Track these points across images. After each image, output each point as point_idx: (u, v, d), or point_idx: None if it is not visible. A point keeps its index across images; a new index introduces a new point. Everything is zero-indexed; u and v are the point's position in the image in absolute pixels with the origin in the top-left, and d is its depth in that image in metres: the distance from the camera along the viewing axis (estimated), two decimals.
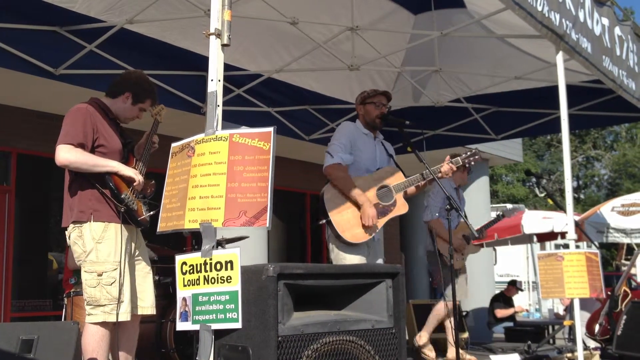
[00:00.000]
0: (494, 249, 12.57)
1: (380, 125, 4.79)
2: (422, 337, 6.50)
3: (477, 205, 11.00)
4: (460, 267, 6.35)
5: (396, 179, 4.59)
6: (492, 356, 6.30)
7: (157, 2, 4.82)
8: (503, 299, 10.87)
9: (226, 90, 6.20)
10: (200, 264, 2.20)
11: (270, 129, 2.29)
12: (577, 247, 9.42)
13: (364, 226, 4.40)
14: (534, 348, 6.46)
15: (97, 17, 4.95)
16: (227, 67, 5.95)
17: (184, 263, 2.26)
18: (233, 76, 6.09)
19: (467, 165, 4.87)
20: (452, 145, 7.84)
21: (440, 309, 6.39)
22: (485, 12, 5.45)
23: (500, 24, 5.72)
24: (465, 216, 6.71)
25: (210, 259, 2.19)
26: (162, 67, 5.59)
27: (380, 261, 4.67)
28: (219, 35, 2.32)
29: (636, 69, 5.94)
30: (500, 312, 10.43)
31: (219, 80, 2.30)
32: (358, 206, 4.42)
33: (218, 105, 2.29)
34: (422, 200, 6.42)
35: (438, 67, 6.62)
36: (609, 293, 6.86)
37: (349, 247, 4.41)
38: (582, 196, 39.14)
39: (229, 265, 2.18)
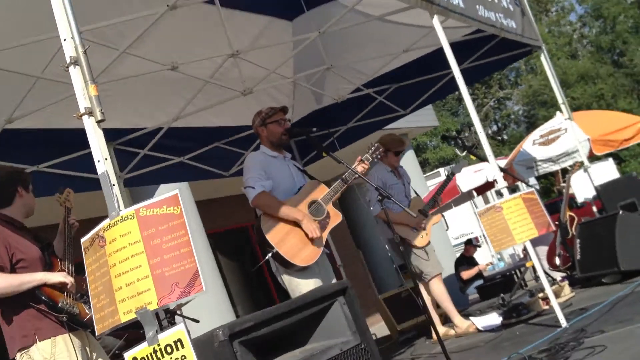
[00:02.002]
0: (442, 216, 12.71)
1: (288, 141, 4.76)
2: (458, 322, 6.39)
3: (411, 179, 11.10)
4: (426, 244, 6.34)
5: (321, 191, 4.57)
6: (472, 318, 6.33)
7: (32, 91, 4.63)
8: (466, 260, 11.00)
9: (131, 155, 6.05)
10: (151, 354, 2.07)
11: (176, 192, 2.19)
12: (515, 190, 9.63)
13: (311, 240, 4.36)
14: (508, 299, 6.51)
15: None
16: (124, 132, 5.89)
17: (134, 358, 2.13)
18: (133, 139, 5.93)
19: (376, 160, 4.87)
20: (369, 132, 7.87)
21: (436, 289, 6.35)
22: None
23: (374, 5, 5.76)
24: (415, 191, 6.77)
25: (159, 345, 2.07)
26: (56, 154, 5.38)
27: (330, 273, 4.64)
28: (90, 113, 2.20)
29: (511, 8, 6.09)
30: (466, 274, 10.54)
31: (106, 159, 2.18)
32: (297, 226, 4.38)
33: (114, 185, 2.17)
34: (353, 200, 6.45)
35: (329, 65, 6.63)
36: (556, 222, 6.99)
37: (302, 271, 4.35)
38: (505, 137, 40.27)
39: (179, 344, 2.06)
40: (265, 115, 4.74)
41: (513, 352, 4.55)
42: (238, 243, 11.96)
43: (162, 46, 5.05)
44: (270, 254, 4.28)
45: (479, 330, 6.03)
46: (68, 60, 2.18)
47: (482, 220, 5.07)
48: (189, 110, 6.09)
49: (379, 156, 4.80)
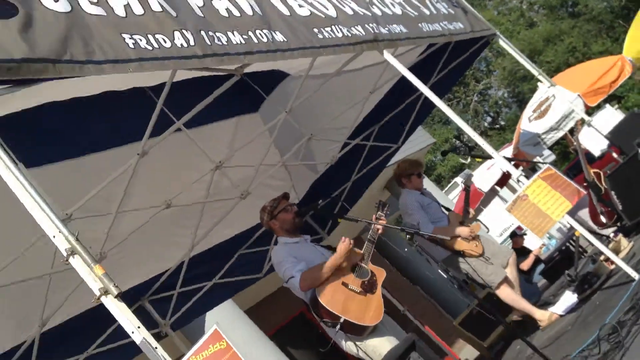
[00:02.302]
0: (477, 221, 12.62)
1: (301, 223, 4.84)
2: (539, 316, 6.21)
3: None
4: (482, 252, 6.25)
5: (356, 255, 4.61)
6: (551, 309, 6.16)
7: (50, 287, 4.66)
8: (518, 252, 10.79)
9: (167, 300, 6.04)
10: None
11: (214, 328, 2.19)
12: (534, 169, 9.55)
13: (370, 300, 4.40)
14: (574, 273, 6.37)
15: None
16: (151, 282, 5.90)
17: None
18: (162, 285, 5.95)
19: (388, 215, 4.95)
20: (373, 178, 7.86)
21: (505, 296, 6.22)
22: (305, 67, 5.54)
23: (326, 63, 5.84)
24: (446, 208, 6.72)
25: None
26: (98, 333, 5.32)
27: (395, 325, 4.61)
28: (106, 292, 2.21)
29: (452, 11, 6.16)
30: (524, 265, 10.34)
31: (139, 327, 2.18)
32: (351, 291, 4.42)
33: (156, 347, 2.17)
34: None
35: (309, 135, 6.69)
36: (585, 184, 6.90)
37: (373, 332, 4.38)
38: (502, 122, 40.23)
39: None
40: (271, 208, 4.81)
41: (601, 323, 4.43)
42: (301, 331, 11.81)
43: (149, 190, 5.13)
44: (338, 326, 4.27)
45: (562, 316, 5.89)
46: (65, 254, 2.21)
47: (514, 214, 5.01)
48: (200, 234, 6.11)
49: (388, 212, 4.88)
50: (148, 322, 5.77)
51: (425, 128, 14.34)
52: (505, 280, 6.21)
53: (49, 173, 4.14)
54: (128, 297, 5.71)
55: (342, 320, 4.25)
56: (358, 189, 7.70)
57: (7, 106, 3.71)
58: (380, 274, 4.65)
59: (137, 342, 2.18)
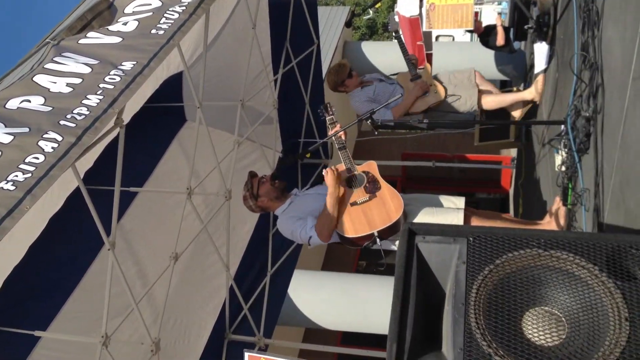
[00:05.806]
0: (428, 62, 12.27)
1: (284, 184, 4.82)
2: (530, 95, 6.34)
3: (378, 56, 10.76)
4: (445, 92, 6.17)
5: (342, 172, 4.60)
6: (535, 71, 6.13)
7: None
8: (486, 34, 10.48)
9: (244, 321, 6.12)
10: None
11: (246, 356, 2.21)
12: None
13: (382, 198, 4.39)
14: (532, 23, 6.32)
15: None
16: (221, 316, 5.94)
17: None
18: (232, 312, 6.02)
19: (334, 114, 4.82)
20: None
21: (488, 102, 6.28)
22: (186, 59, 5.37)
23: (193, 43, 5.61)
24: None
25: None
26: None
27: (412, 196, 4.68)
28: None
29: None
30: (500, 39, 9.98)
31: None
32: (358, 204, 4.42)
33: None
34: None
35: (239, 102, 6.56)
36: None
37: (406, 218, 4.45)
38: None
39: None
40: (250, 193, 4.81)
41: (571, 54, 4.40)
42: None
43: (152, 260, 5.15)
44: (378, 239, 4.28)
45: (546, 68, 5.88)
46: None
47: (436, 26, 4.96)
48: (224, 253, 6.12)
49: (333, 110, 4.78)
50: (244, 347, 5.87)
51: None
52: (480, 93, 6.20)
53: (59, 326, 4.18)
54: (215, 341, 5.84)
55: (376, 233, 4.25)
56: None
57: None
58: (372, 167, 4.61)
59: None
